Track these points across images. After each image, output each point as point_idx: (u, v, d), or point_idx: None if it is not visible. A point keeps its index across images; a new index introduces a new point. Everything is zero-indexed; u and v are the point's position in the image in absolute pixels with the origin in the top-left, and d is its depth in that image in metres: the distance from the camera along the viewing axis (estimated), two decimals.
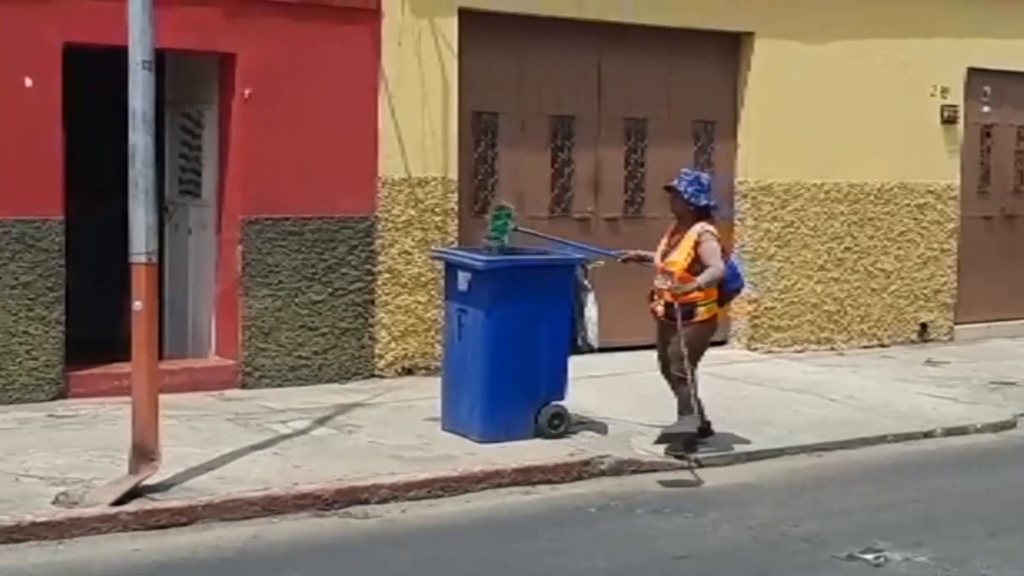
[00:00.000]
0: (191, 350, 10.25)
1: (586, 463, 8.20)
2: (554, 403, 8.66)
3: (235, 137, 9.86)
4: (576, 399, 8.88)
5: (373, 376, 10.33)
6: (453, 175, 10.69)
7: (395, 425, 8.75)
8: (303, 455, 7.94)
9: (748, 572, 6.55)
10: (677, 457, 8.33)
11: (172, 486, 7.20)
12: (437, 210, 10.60)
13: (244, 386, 9.82)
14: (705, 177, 8.61)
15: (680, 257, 8.37)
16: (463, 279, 8.64)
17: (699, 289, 8.29)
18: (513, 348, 8.49)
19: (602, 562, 6.64)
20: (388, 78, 10.31)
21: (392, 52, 10.33)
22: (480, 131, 11.12)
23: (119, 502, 6.87)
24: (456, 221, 10.72)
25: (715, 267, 8.31)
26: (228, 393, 9.68)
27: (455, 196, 10.70)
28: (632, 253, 9.01)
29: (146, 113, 7.12)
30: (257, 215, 9.87)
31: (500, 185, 11.22)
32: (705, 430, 8.64)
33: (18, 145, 8.92)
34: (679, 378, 8.38)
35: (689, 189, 8.42)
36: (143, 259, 7.15)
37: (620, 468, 8.26)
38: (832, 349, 12.74)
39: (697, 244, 8.33)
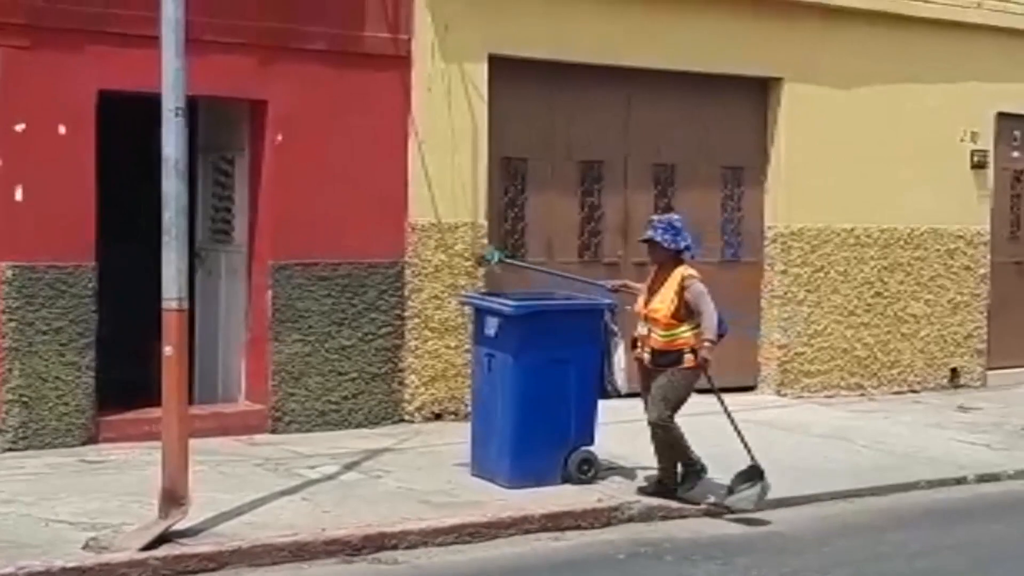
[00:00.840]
0: (221, 395, 10.29)
1: (615, 509, 8.17)
2: (583, 448, 8.64)
3: (266, 183, 9.93)
4: (605, 444, 8.85)
5: (402, 421, 10.33)
6: (483, 220, 10.73)
7: (424, 470, 8.74)
8: (332, 500, 7.94)
9: None
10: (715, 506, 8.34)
11: (201, 531, 7.20)
12: (466, 255, 10.63)
13: (273, 431, 9.84)
14: (677, 219, 8.54)
15: (664, 304, 8.27)
16: (492, 324, 8.65)
17: (710, 341, 8.19)
18: (542, 393, 8.48)
19: None
20: (418, 124, 10.38)
21: (422, 98, 10.40)
22: (509, 176, 11.17)
23: (148, 547, 6.87)
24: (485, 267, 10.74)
25: (710, 312, 8.23)
26: (257, 438, 9.70)
27: (484, 241, 10.73)
28: (619, 283, 9.10)
29: (178, 160, 7.18)
30: (287, 260, 9.92)
31: (529, 230, 11.25)
32: (699, 470, 8.53)
33: (52, 191, 9.00)
34: (660, 426, 8.30)
35: (666, 237, 8.35)
36: (174, 305, 7.19)
37: (649, 514, 8.23)
38: (862, 395, 12.68)
39: (683, 289, 8.25)
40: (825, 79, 12.34)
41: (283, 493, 8.08)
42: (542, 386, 8.48)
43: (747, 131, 12.31)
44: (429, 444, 9.54)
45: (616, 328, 8.76)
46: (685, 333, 8.26)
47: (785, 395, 12.26)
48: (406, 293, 10.41)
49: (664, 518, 8.23)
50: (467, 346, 10.16)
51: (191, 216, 7.74)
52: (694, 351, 8.21)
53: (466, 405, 10.09)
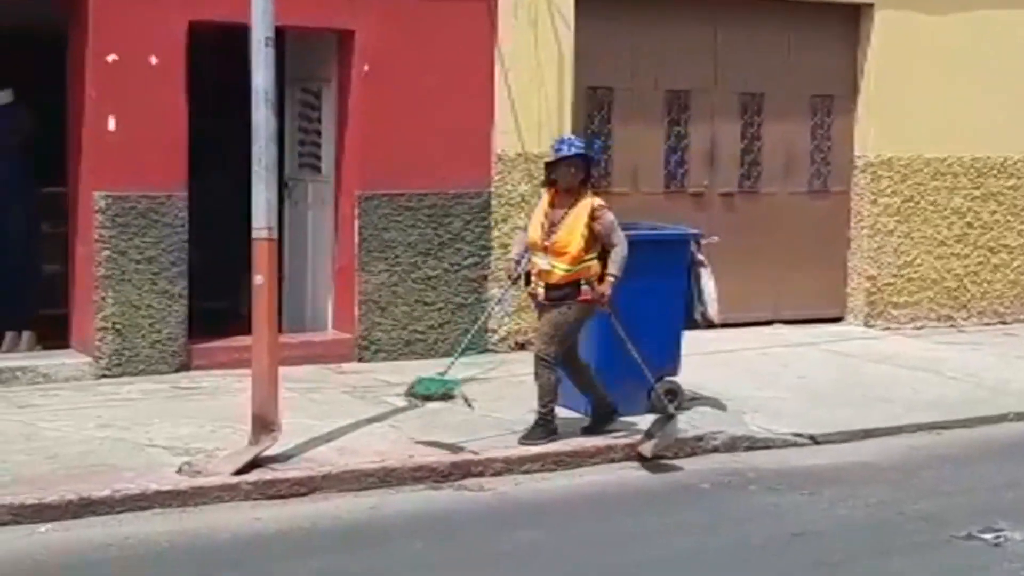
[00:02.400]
0: (309, 324, 10.41)
1: (699, 439, 8.19)
2: (668, 378, 8.64)
3: (353, 114, 9.97)
4: (689, 375, 8.85)
5: (487, 351, 10.38)
6: None
7: (508, 400, 8.80)
8: (418, 428, 8.03)
9: (865, 551, 6.49)
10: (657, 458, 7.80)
11: (292, 457, 7.33)
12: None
13: (360, 359, 9.95)
14: (596, 141, 8.09)
15: (574, 237, 7.66)
16: None
17: (614, 276, 7.70)
18: (626, 323, 8.46)
19: (717, 539, 6.63)
20: (504, 53, 10.34)
21: (508, 27, 10.36)
22: (595, 105, 11.11)
23: (240, 472, 7.02)
24: None
25: (623, 245, 7.73)
26: (345, 366, 9.81)
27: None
28: (515, 267, 8.03)
29: (268, 90, 7.24)
30: (374, 191, 9.98)
31: (614, 160, 11.20)
32: (611, 413, 8.17)
33: (143, 122, 9.11)
34: (543, 360, 7.80)
35: (590, 153, 7.96)
36: (265, 235, 7.28)
37: (734, 444, 8.23)
38: (952, 326, 12.51)
39: (593, 219, 7.69)
40: (917, 4, 12.08)
41: (371, 420, 8.19)
42: (627, 316, 8.45)
43: (837, 59, 12.10)
44: (514, 374, 9.59)
45: (703, 258, 8.71)
46: (587, 265, 7.75)
47: (873, 326, 12.14)
48: (492, 223, 10.43)
49: (749, 448, 8.23)
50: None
51: (279, 147, 7.80)
52: (590, 283, 7.74)
53: None
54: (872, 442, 8.50)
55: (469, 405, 7.66)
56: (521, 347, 10.54)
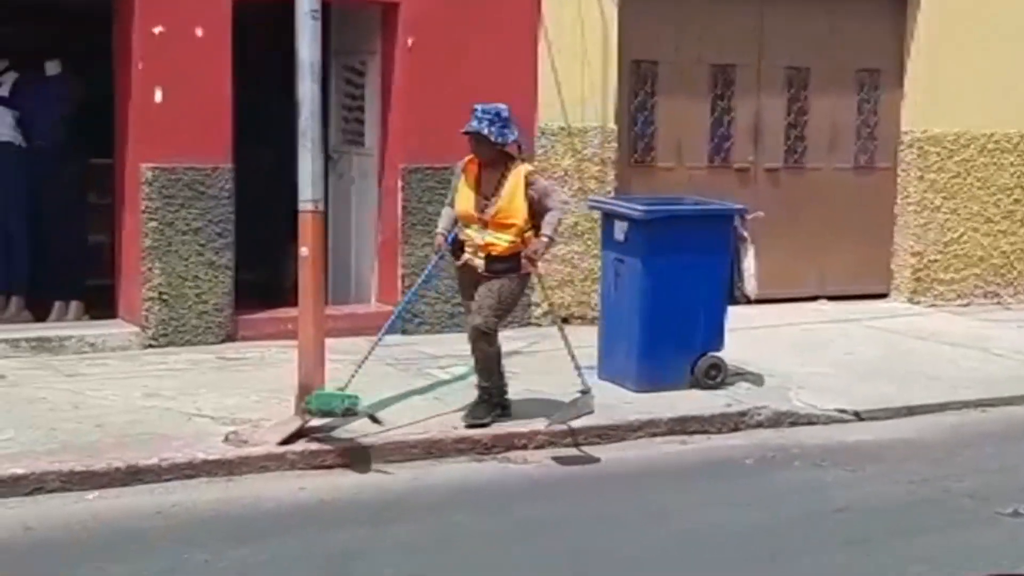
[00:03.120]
0: (354, 296, 10.46)
1: (743, 414, 8.18)
2: (711, 354, 8.63)
3: (397, 87, 9.98)
4: (733, 350, 8.83)
5: (529, 325, 10.40)
6: (612, 124, 10.67)
7: (552, 373, 8.80)
8: (462, 400, 8.04)
9: (909, 527, 6.47)
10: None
11: (336, 428, 7.37)
12: (595, 160, 10.60)
13: (404, 332, 9.98)
14: (504, 109, 7.46)
15: (517, 207, 7.41)
16: (620, 229, 8.65)
17: (548, 237, 7.48)
18: (670, 298, 8.48)
19: (760, 514, 6.63)
20: (548, 27, 10.32)
21: (552, 1, 10.33)
22: (639, 80, 11.07)
23: (286, 442, 7.07)
24: (614, 171, 10.71)
25: (558, 209, 7.59)
26: (388, 339, 9.83)
27: (613, 145, 10.68)
28: (445, 241, 7.66)
29: (313, 63, 7.26)
30: (418, 164, 9.99)
31: (658, 134, 11.17)
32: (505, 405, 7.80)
33: (189, 94, 9.16)
34: (486, 334, 7.53)
35: (492, 129, 7.35)
36: (310, 207, 7.31)
37: (778, 420, 8.22)
38: (998, 303, 12.42)
39: (528, 185, 7.42)
40: None
41: (414, 392, 8.24)
42: (670, 291, 8.47)
43: (884, 33, 12.00)
44: (557, 347, 9.55)
45: (746, 233, 8.69)
46: (529, 235, 7.51)
47: (918, 303, 12.07)
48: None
49: (793, 424, 8.21)
50: (595, 251, 10.16)
51: (324, 120, 7.82)
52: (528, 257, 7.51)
53: (593, 309, 10.13)
54: (916, 419, 8.46)
55: (376, 421, 7.31)
56: (564, 321, 10.52)
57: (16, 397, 7.83)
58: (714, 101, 11.41)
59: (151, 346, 9.18)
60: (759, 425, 8.13)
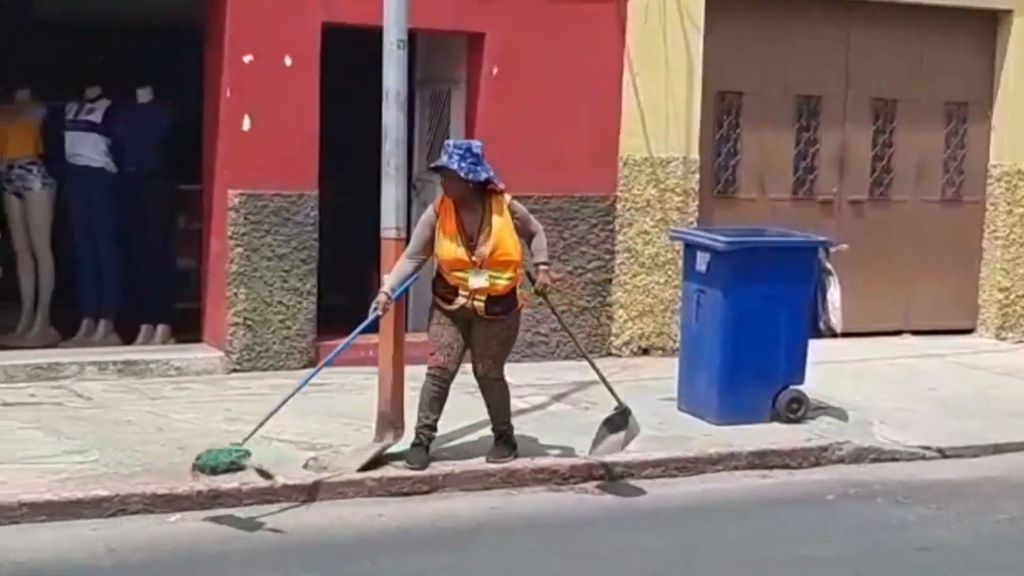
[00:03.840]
0: None
1: (824, 449, 8.09)
2: (793, 387, 8.56)
3: (481, 115, 10.03)
4: (815, 384, 8.75)
5: (609, 355, 10.38)
6: (695, 155, 10.64)
7: (631, 404, 8.73)
8: (540, 430, 8.06)
9: (993, 567, 6.37)
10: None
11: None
12: (678, 190, 10.57)
13: None
14: (476, 145, 7.26)
15: (511, 242, 7.19)
16: (702, 260, 8.61)
17: (546, 263, 7.41)
18: (751, 330, 8.42)
19: (841, 550, 6.55)
20: (633, 56, 10.33)
21: (637, 30, 10.34)
22: (723, 111, 11.04)
23: (364, 468, 7.12)
24: (696, 201, 10.66)
25: (540, 231, 7.43)
26: (467, 367, 9.85)
27: (696, 176, 10.65)
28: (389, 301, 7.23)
29: (399, 92, 7.33)
30: None
31: (742, 164, 11.12)
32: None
33: (277, 121, 9.28)
34: (498, 380, 7.47)
35: (463, 165, 7.06)
36: (393, 234, 7.38)
37: (860, 455, 8.12)
38: None
39: (513, 215, 7.24)
40: None
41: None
42: (752, 323, 8.42)
43: (973, 65, 11.86)
44: (637, 378, 9.57)
45: (830, 266, 8.62)
46: (523, 269, 7.36)
47: (1005, 339, 11.87)
48: (616, 227, 10.42)
49: (875, 460, 8.11)
50: (676, 281, 10.13)
51: (408, 148, 7.88)
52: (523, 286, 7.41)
53: (674, 340, 10.09)
54: (1003, 457, 8.32)
55: (266, 476, 6.88)
56: (644, 352, 10.53)
57: (102, 419, 7.96)
58: (799, 132, 11.35)
59: (235, 371, 9.29)
60: (840, 460, 8.04)
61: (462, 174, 7.07)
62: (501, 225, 7.19)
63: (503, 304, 7.28)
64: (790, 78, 11.21)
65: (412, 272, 7.32)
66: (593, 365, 7.74)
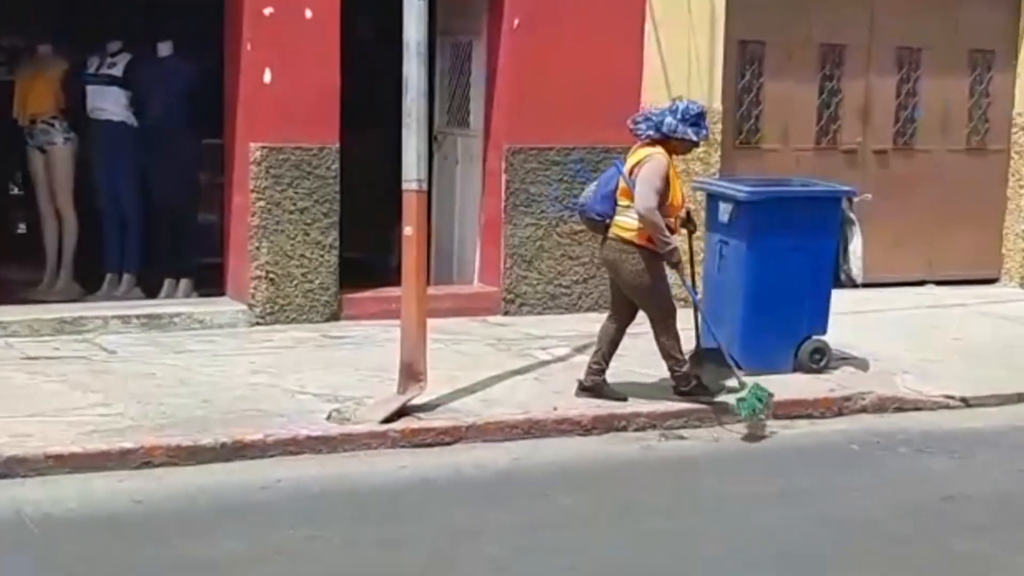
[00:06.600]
0: (456, 277, 10.51)
1: (847, 399, 8.08)
2: (815, 337, 8.54)
3: (502, 68, 9.99)
4: (838, 334, 8.72)
5: None
6: (717, 105, 10.57)
7: (654, 355, 8.72)
8: (563, 381, 8.06)
9: (1017, 517, 6.35)
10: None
11: (437, 407, 7.43)
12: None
13: (506, 313, 10.01)
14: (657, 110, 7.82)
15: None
16: (724, 210, 8.58)
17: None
18: (774, 281, 8.39)
19: (867, 500, 6.54)
20: (654, 6, 10.25)
21: None
22: (746, 60, 10.96)
23: (388, 420, 7.14)
24: (719, 152, 10.61)
25: None
26: (490, 319, 9.89)
27: (719, 127, 10.58)
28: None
29: (419, 44, 7.29)
30: (521, 145, 10.00)
31: (765, 115, 11.04)
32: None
33: (298, 75, 9.24)
34: None
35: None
36: (415, 186, 7.35)
37: (883, 405, 8.11)
38: None
39: None
40: None
41: (516, 373, 8.26)
42: (775, 274, 8.38)
43: (998, 12, 11.74)
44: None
45: (854, 216, 8.57)
46: None
47: None
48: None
49: (898, 410, 8.10)
50: (699, 232, 10.08)
51: (429, 101, 7.85)
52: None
53: (697, 292, 10.04)
54: None
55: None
56: None
57: (126, 372, 8.00)
58: (822, 82, 11.26)
59: (258, 324, 9.31)
60: (863, 410, 8.03)
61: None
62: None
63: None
64: (813, 27, 11.12)
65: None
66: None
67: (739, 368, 7.80)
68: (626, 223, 7.56)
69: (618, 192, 7.61)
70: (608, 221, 7.61)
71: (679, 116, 7.60)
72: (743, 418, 7.51)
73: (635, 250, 7.55)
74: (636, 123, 7.72)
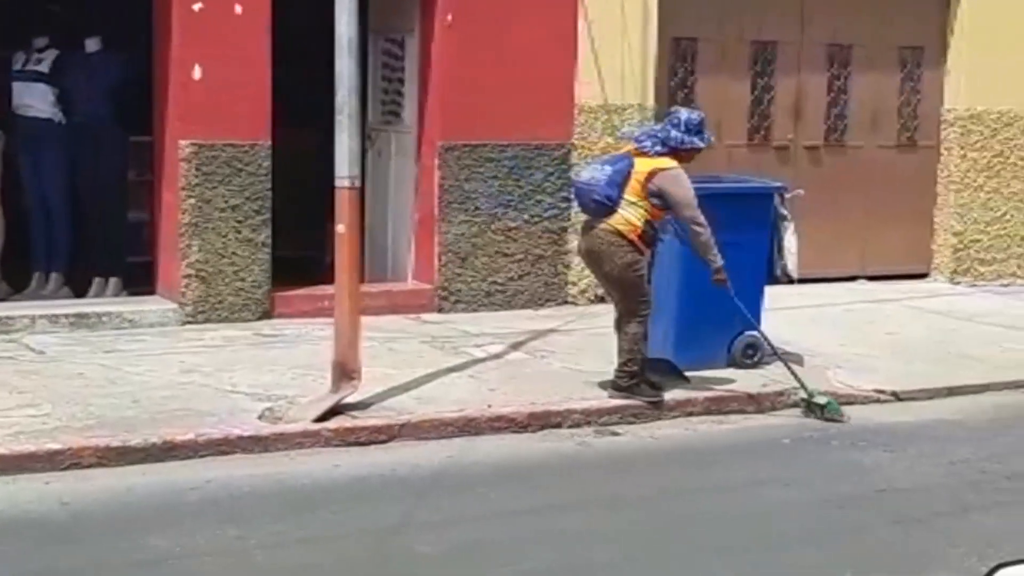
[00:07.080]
0: (390, 274, 10.46)
1: (780, 394, 8.12)
2: (748, 333, 8.57)
3: (436, 64, 9.95)
4: (772, 330, 8.75)
5: (566, 303, 10.38)
6: (651, 102, 10.61)
7: (588, 351, 8.78)
8: (498, 379, 8.05)
9: (949, 508, 6.41)
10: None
11: (371, 405, 7.38)
12: None
13: (440, 310, 9.98)
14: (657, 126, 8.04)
15: None
16: None
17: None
18: (708, 277, 8.39)
19: (798, 493, 6.58)
20: (587, 3, 10.26)
21: None
22: (679, 57, 11.00)
23: (321, 419, 7.08)
24: None
25: None
26: (425, 316, 9.86)
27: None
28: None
29: (352, 40, 7.23)
30: (455, 142, 9.97)
31: None
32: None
33: (228, 71, 9.16)
34: None
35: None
36: (347, 183, 7.29)
37: None
38: None
39: None
40: None
41: (450, 370, 8.22)
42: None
43: (927, 10, 11.87)
44: (593, 326, 9.55)
45: (787, 212, 8.62)
46: None
47: (959, 283, 11.96)
48: (572, 175, 10.38)
49: None
50: None
51: (362, 98, 7.80)
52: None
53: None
54: (957, 400, 8.38)
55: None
56: (600, 299, 10.49)
57: (54, 372, 7.88)
58: (754, 78, 11.33)
59: (188, 322, 9.21)
60: (796, 405, 8.07)
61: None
62: None
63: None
64: (745, 24, 11.18)
65: None
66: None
67: (796, 377, 8.02)
68: (628, 218, 7.61)
69: (627, 186, 7.62)
70: (610, 205, 7.60)
71: (683, 128, 7.73)
72: (830, 415, 7.79)
73: (626, 243, 7.60)
74: (640, 141, 7.77)
